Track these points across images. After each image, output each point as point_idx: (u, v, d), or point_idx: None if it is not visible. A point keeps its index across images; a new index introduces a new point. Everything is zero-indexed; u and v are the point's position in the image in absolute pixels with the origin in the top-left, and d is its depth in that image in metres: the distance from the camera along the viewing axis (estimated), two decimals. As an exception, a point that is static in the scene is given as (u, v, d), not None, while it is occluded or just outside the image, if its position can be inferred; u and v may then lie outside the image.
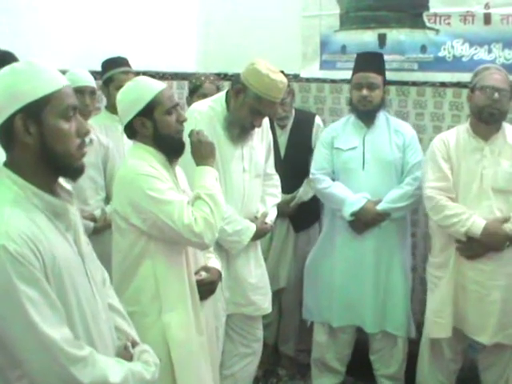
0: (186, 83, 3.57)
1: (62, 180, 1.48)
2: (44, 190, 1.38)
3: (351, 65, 3.08)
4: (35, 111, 1.34)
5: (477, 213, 2.59)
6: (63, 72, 1.47)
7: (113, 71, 3.13)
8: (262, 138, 2.73)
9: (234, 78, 2.59)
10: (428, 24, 3.17)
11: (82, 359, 1.32)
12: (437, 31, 3.15)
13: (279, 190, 2.89)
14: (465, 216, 2.58)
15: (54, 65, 1.42)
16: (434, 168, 2.70)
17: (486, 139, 2.66)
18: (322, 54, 3.51)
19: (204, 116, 2.54)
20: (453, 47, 3.12)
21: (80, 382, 1.31)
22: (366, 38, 3.33)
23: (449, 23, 3.11)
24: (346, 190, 2.95)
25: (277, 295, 3.34)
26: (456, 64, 3.13)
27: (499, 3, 2.97)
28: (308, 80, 3.57)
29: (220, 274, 2.30)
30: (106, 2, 3.69)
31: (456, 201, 2.66)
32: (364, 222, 2.91)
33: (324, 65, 3.51)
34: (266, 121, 2.70)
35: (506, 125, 2.69)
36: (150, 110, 2.01)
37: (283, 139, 3.35)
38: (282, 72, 2.55)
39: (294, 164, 3.29)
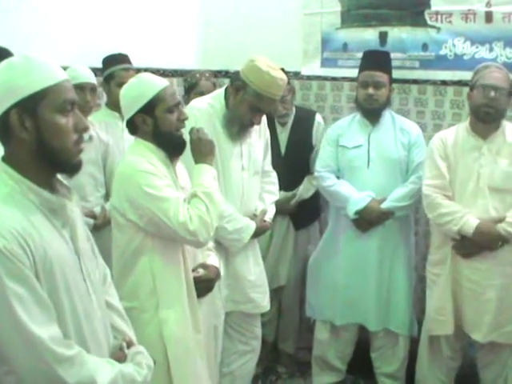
0: (185, 81, 3.57)
1: (60, 176, 1.46)
2: (41, 186, 1.36)
3: (352, 63, 3.08)
4: (31, 106, 1.31)
5: (472, 211, 2.58)
6: (64, 69, 1.45)
7: (113, 68, 3.13)
8: (259, 135, 2.73)
9: (234, 75, 2.58)
10: (429, 22, 3.16)
11: (69, 359, 1.30)
12: (438, 29, 3.14)
13: (277, 187, 2.89)
14: (458, 215, 2.57)
15: (54, 61, 1.40)
16: (431, 166, 2.70)
17: (485, 138, 2.65)
18: (323, 51, 3.49)
19: (203, 113, 2.53)
20: (454, 45, 3.11)
21: (66, 381, 1.29)
22: (368, 35, 3.32)
23: (450, 21, 3.10)
24: (351, 188, 2.94)
25: (276, 293, 3.34)
26: (457, 62, 3.12)
27: (501, 1, 2.96)
28: (309, 78, 3.56)
29: (218, 272, 2.30)
30: (107, -1, 3.71)
31: (452, 199, 2.65)
32: (368, 220, 2.90)
33: (325, 62, 3.50)
34: (263, 118, 2.69)
35: (506, 123, 2.67)
36: (151, 107, 2.01)
37: (284, 137, 3.34)
38: (282, 69, 2.55)
39: (294, 161, 3.29)
